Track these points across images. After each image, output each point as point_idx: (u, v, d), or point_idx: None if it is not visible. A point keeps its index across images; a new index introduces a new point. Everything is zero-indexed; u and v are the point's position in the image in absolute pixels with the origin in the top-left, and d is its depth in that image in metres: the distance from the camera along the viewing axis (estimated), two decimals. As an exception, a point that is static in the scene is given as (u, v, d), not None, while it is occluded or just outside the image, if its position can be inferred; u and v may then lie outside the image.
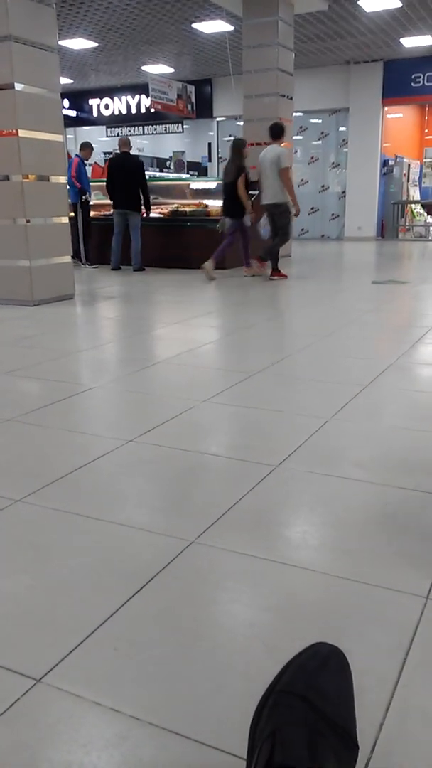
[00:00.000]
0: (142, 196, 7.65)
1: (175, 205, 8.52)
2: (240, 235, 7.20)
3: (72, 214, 7.90)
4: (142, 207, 7.74)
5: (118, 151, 8.00)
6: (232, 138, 14.60)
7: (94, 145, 8.43)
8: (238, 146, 7.04)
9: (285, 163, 6.60)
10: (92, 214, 8.36)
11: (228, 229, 7.14)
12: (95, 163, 11.22)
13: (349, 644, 1.01)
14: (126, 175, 7.60)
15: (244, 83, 8.79)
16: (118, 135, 14.88)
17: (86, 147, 8.22)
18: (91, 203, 8.31)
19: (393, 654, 1.14)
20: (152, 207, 8.11)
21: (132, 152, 7.99)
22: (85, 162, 8.14)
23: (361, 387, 2.81)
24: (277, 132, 6.75)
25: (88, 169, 8.73)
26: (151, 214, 8.11)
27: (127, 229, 7.78)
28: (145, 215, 7.83)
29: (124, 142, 7.85)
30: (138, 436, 2.24)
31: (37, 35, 5.02)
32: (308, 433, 2.24)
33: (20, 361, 3.40)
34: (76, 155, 8.18)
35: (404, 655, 1.13)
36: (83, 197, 7.96)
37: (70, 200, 7.98)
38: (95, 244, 8.30)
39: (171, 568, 1.42)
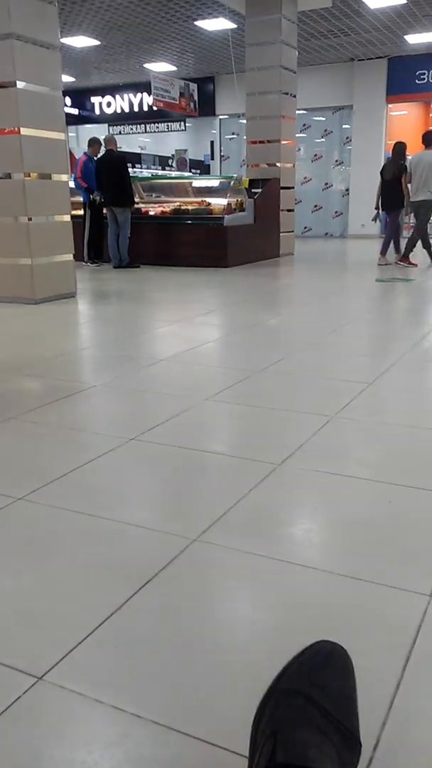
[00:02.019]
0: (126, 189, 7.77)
1: (178, 203, 8.51)
2: (393, 227, 8.07)
3: (81, 212, 7.91)
4: (135, 202, 7.83)
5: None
6: (235, 136, 14.64)
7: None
8: (400, 149, 7.94)
9: None
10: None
11: (392, 220, 8.10)
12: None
13: (351, 642, 1.00)
14: (111, 172, 7.69)
15: (247, 81, 8.76)
16: (120, 133, 14.88)
17: (94, 143, 8.16)
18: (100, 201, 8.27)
19: (396, 652, 1.13)
20: (153, 205, 8.12)
21: (135, 150, 8.01)
22: (94, 159, 8.09)
23: (365, 385, 2.80)
24: (429, 139, 7.50)
25: None
26: (150, 212, 8.13)
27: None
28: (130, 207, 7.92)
29: (109, 140, 7.95)
30: (140, 435, 2.23)
31: (39, 33, 5.01)
32: (311, 431, 2.24)
33: (22, 360, 3.40)
34: (84, 153, 8.14)
35: (407, 654, 1.13)
36: (91, 196, 7.94)
37: (81, 199, 7.99)
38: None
39: (173, 566, 1.42)
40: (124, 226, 7.85)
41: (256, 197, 8.40)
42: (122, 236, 7.89)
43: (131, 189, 7.93)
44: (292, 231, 9.50)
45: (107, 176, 7.71)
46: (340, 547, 1.50)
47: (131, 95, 14.77)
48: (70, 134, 15.35)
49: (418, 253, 8.18)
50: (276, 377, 2.99)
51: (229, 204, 7.98)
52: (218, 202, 8.08)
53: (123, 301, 5.63)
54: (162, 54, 12.01)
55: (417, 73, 12.28)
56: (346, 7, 9.16)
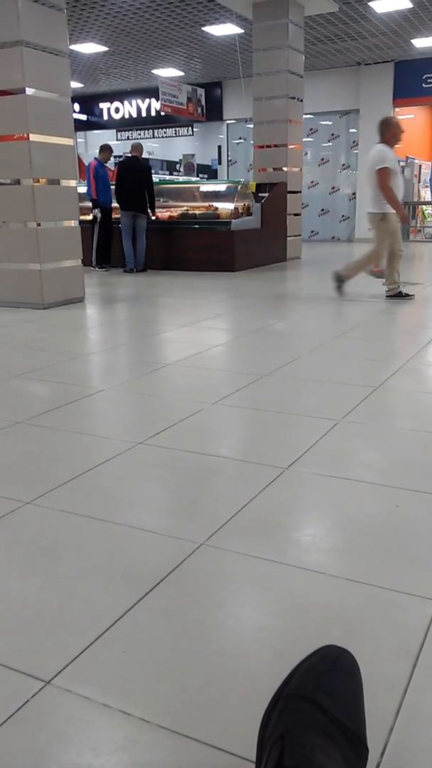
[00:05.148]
0: (147, 198, 7.78)
1: (185, 208, 8.53)
2: None
3: (89, 217, 7.94)
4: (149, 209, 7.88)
5: (129, 155, 8.06)
6: (242, 140, 14.67)
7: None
8: None
9: None
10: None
11: None
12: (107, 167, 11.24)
13: (359, 647, 1.00)
14: (134, 177, 7.74)
15: (254, 86, 8.78)
16: (128, 138, 14.95)
17: (105, 149, 8.18)
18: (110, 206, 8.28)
19: (403, 657, 1.13)
20: (160, 210, 8.16)
21: (143, 156, 8.06)
22: (104, 165, 8.12)
23: (372, 389, 2.79)
24: None
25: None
26: (159, 217, 8.16)
27: (134, 230, 7.87)
28: (151, 217, 7.93)
29: (135, 147, 7.99)
30: (148, 439, 2.24)
31: (48, 40, 5.05)
32: (318, 436, 2.23)
33: (30, 364, 3.42)
34: (95, 158, 8.16)
35: (414, 659, 1.12)
36: (93, 212, 7.98)
37: (90, 205, 8.02)
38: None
39: (180, 570, 1.42)
40: (142, 232, 7.92)
41: (263, 201, 8.41)
42: (140, 242, 7.95)
43: (153, 196, 7.94)
44: (299, 235, 9.50)
45: (129, 182, 7.74)
46: (348, 552, 1.50)
47: (139, 101, 14.84)
48: (78, 140, 15.43)
49: None
50: (283, 381, 2.99)
51: (236, 208, 8.00)
52: (225, 207, 8.10)
53: (131, 305, 5.64)
54: (170, 59, 12.06)
55: (424, 77, 12.27)
56: (353, 11, 9.17)
